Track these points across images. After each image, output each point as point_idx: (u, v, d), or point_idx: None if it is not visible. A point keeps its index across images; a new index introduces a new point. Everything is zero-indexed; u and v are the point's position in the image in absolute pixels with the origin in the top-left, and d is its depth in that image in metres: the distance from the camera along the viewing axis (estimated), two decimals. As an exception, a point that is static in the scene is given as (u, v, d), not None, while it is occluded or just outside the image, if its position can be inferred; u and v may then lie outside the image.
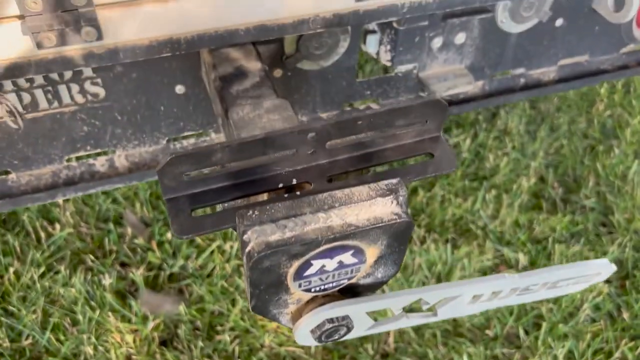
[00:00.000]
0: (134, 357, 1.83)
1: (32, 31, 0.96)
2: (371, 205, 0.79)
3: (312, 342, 0.87)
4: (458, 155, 2.45)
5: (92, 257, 2.04)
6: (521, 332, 1.93)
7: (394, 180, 0.81)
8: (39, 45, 0.99)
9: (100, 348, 1.84)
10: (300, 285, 0.82)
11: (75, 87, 1.23)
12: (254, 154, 0.79)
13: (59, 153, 1.32)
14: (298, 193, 0.81)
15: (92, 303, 1.93)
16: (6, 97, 1.20)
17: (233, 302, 1.96)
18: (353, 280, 0.87)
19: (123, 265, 2.07)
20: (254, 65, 1.17)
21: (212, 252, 2.07)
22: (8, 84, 1.18)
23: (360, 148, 0.87)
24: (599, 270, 1.01)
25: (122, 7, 1.01)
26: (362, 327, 0.91)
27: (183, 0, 1.04)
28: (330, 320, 0.85)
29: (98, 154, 1.37)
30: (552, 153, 2.52)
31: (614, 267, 1.01)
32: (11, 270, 1.96)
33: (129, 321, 1.90)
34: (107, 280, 1.96)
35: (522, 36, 1.56)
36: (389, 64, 1.47)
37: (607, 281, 2.07)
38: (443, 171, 0.87)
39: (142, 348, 1.85)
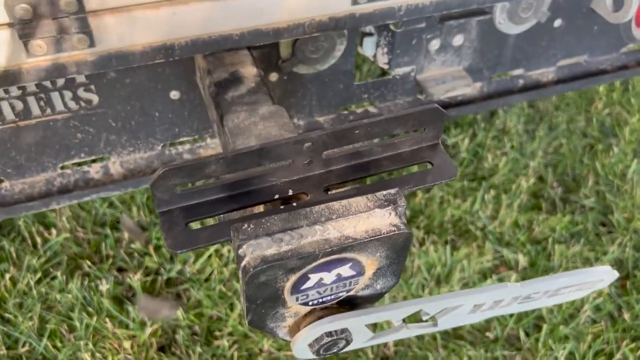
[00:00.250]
0: (131, 363, 1.81)
1: (23, 39, 0.94)
2: (369, 217, 0.77)
3: (310, 356, 0.86)
4: (456, 155, 2.44)
5: (88, 262, 2.02)
6: (522, 334, 1.92)
7: (393, 191, 0.79)
8: (30, 53, 0.97)
9: (98, 355, 1.82)
10: (297, 299, 0.80)
11: (68, 94, 1.21)
12: (249, 165, 0.77)
13: (53, 160, 1.30)
14: (294, 204, 0.79)
15: (89, 309, 1.91)
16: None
17: (231, 307, 1.94)
18: (352, 293, 0.85)
19: (120, 270, 2.05)
20: (249, 71, 1.15)
21: (209, 256, 2.05)
22: (0, 92, 1.16)
23: (358, 157, 0.85)
24: (602, 277, 0.99)
25: (114, 13, 0.99)
26: (361, 339, 0.89)
27: (176, 5, 1.02)
28: (329, 334, 0.83)
29: (93, 161, 1.35)
30: (551, 152, 2.51)
31: (616, 274, 1.00)
32: (7, 276, 1.94)
33: (127, 327, 1.88)
34: (104, 286, 1.94)
35: (520, 37, 1.54)
36: (386, 66, 1.45)
37: (608, 282, 2.06)
38: (443, 180, 0.86)
39: (140, 354, 1.84)
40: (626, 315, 1.97)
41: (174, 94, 1.29)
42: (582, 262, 2.11)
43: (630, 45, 1.72)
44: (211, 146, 1.43)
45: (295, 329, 0.85)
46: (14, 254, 2.02)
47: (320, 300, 0.83)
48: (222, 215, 0.83)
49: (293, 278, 0.76)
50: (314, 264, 0.75)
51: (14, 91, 1.17)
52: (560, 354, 1.85)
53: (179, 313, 1.90)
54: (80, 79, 1.19)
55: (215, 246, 2.07)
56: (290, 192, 0.82)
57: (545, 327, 1.91)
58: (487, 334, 1.92)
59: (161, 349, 1.88)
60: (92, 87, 1.21)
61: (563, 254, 2.11)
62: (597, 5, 1.49)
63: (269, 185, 0.81)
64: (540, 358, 1.86)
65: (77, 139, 1.28)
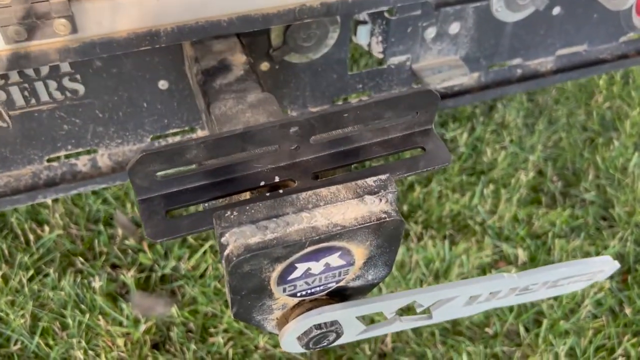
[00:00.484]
0: (124, 361, 1.78)
1: (1, 24, 0.91)
2: (358, 204, 0.74)
3: (299, 350, 0.83)
4: (455, 150, 2.41)
5: (82, 259, 1.99)
6: (521, 330, 1.89)
7: (383, 177, 0.76)
8: (9, 40, 0.94)
9: (91, 352, 1.80)
10: (284, 290, 0.77)
11: (52, 84, 1.18)
12: (233, 150, 0.74)
13: (39, 153, 1.27)
14: (281, 191, 0.76)
15: (82, 306, 1.88)
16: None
17: (226, 304, 1.91)
18: (342, 283, 0.82)
19: (114, 267, 2.02)
20: (238, 58, 1.12)
21: (204, 252, 2.02)
22: (-19, 82, 1.14)
23: (347, 143, 0.82)
24: (602, 267, 0.96)
25: (97, -2, 0.96)
26: (352, 332, 0.86)
27: (162, -10, 0.99)
28: (318, 327, 0.80)
29: (80, 154, 1.32)
30: (550, 146, 2.47)
31: (617, 264, 0.97)
32: (-1, 273, 1.91)
33: (120, 324, 1.85)
34: (97, 283, 1.91)
35: (518, 25, 1.51)
36: (380, 55, 1.42)
37: (609, 276, 2.03)
38: (436, 166, 0.82)
39: (134, 352, 1.81)
40: (627, 310, 1.93)
41: (163, 84, 1.26)
42: (583, 257, 2.07)
43: (630, 34, 1.69)
44: (202, 138, 1.39)
45: (283, 322, 0.82)
46: (5, 251, 1.99)
47: (309, 291, 0.80)
48: (206, 204, 0.79)
49: (279, 268, 0.73)
50: (301, 253, 0.72)
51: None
52: (560, 350, 1.82)
53: (174, 310, 1.87)
54: (65, 68, 1.16)
55: (210, 242, 2.04)
56: (277, 179, 0.79)
57: (545, 322, 1.88)
58: (487, 329, 1.89)
59: (155, 346, 1.85)
60: (78, 76, 1.18)
61: (563, 248, 2.08)
62: (596, -8, 1.46)
63: (254, 172, 0.78)
64: (540, 353, 1.83)
65: (64, 130, 1.25)
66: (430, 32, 1.41)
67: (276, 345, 1.84)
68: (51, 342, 1.81)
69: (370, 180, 0.76)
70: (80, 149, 1.30)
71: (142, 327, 1.83)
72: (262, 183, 0.79)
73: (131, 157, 1.34)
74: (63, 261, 2.01)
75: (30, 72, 1.15)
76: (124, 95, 1.25)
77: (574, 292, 1.93)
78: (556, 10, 1.53)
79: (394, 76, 1.49)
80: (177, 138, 1.37)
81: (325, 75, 1.40)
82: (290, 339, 0.82)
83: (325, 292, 0.83)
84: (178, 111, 1.32)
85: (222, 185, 0.77)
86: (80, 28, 0.97)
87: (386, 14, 1.34)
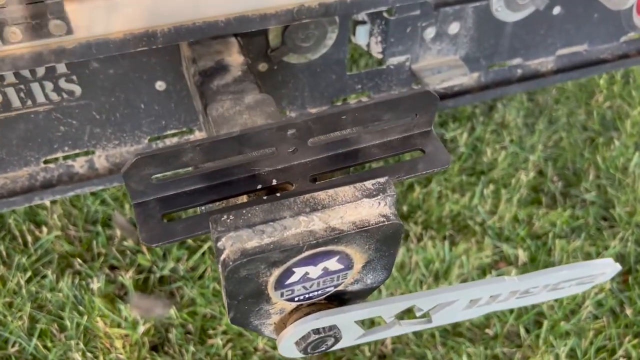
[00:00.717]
0: (123, 363, 1.77)
1: (-4, 25, 0.90)
2: (357, 207, 0.73)
3: (297, 355, 0.82)
4: (455, 150, 2.40)
5: (80, 260, 1.98)
6: (522, 331, 1.88)
7: (382, 180, 0.75)
8: (5, 41, 0.93)
9: (89, 354, 1.79)
10: (282, 295, 0.76)
11: (49, 85, 1.17)
12: (229, 153, 0.73)
13: (35, 155, 1.26)
14: (278, 195, 0.75)
15: (80, 308, 1.87)
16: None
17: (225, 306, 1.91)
18: (340, 287, 0.81)
19: (112, 268, 2.01)
20: (235, 59, 1.11)
21: (203, 253, 2.01)
22: (-23, 83, 1.13)
23: (346, 145, 0.81)
24: (603, 270, 0.95)
25: (93, -2, 0.95)
26: (351, 337, 0.85)
27: (158, -10, 0.98)
28: (316, 331, 0.79)
29: (77, 155, 1.31)
30: (551, 146, 2.46)
31: (618, 267, 0.95)
32: (-4, 275, 1.90)
33: (119, 326, 1.85)
34: (95, 284, 1.91)
35: (518, 25, 1.50)
36: (380, 56, 1.41)
37: (610, 277, 2.02)
38: (435, 168, 0.81)
39: (132, 353, 1.80)
40: (628, 311, 1.92)
41: (160, 85, 1.25)
42: (583, 257, 2.06)
43: (631, 33, 1.68)
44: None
45: (281, 327, 0.81)
46: (3, 253, 1.98)
47: (307, 295, 0.79)
48: (202, 207, 0.78)
49: (276, 272, 0.72)
50: (299, 257, 0.71)
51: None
52: (561, 351, 1.81)
53: (172, 311, 1.86)
54: (61, 69, 1.15)
55: (209, 244, 2.04)
56: (274, 182, 0.78)
57: (545, 323, 1.87)
58: (487, 330, 1.88)
59: (154, 348, 1.84)
60: (74, 77, 1.17)
61: (564, 248, 2.07)
62: (597, -8, 1.45)
63: (251, 175, 0.77)
64: (540, 355, 1.82)
65: (60, 131, 1.24)
66: (430, 32, 1.40)
67: (275, 347, 1.83)
68: (49, 344, 1.80)
69: (369, 184, 0.75)
70: (77, 151, 1.29)
71: (141, 329, 1.82)
72: (259, 186, 0.78)
73: (128, 158, 1.33)
74: (61, 262, 2.00)
75: (26, 73, 1.14)
76: (121, 97, 1.24)
77: (575, 293, 1.92)
78: (556, 10, 1.52)
79: (394, 76, 1.48)
80: (175, 139, 1.36)
81: (324, 75, 1.39)
82: (288, 344, 0.81)
83: (324, 296, 0.82)
84: (175, 112, 1.31)
85: (219, 188, 0.76)
86: (76, 29, 0.96)
87: (385, 14, 1.33)
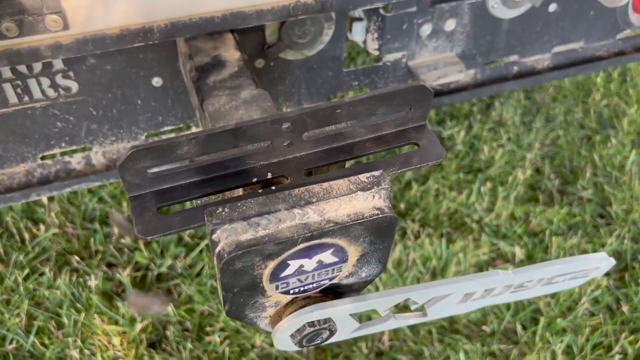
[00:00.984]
0: (120, 360, 1.78)
1: (-8, 20, 0.90)
2: (351, 200, 0.73)
3: (292, 348, 0.82)
4: (452, 148, 2.40)
5: (77, 258, 1.98)
6: (518, 328, 1.88)
7: (376, 173, 0.75)
8: (1, 36, 0.93)
9: (86, 351, 1.79)
10: (277, 287, 0.77)
11: (45, 81, 1.17)
12: (225, 146, 0.73)
13: (32, 151, 1.26)
14: (273, 188, 0.75)
15: (78, 305, 1.87)
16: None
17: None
18: (335, 281, 0.81)
19: (109, 265, 2.01)
20: (232, 55, 1.11)
21: (201, 250, 2.02)
22: (-27, 79, 1.13)
23: (340, 139, 0.81)
24: (597, 264, 0.96)
25: (89, -6, 0.95)
26: (346, 330, 0.85)
27: (155, -14, 0.98)
28: (311, 324, 0.79)
29: (74, 151, 1.31)
30: (548, 144, 2.47)
31: (612, 261, 0.96)
32: (-7, 273, 1.91)
33: (116, 323, 1.85)
34: (93, 282, 1.91)
35: (514, 22, 1.50)
36: (376, 52, 1.41)
37: (606, 274, 2.02)
38: (429, 162, 0.82)
39: (130, 351, 1.80)
40: (625, 308, 1.93)
41: (157, 81, 1.25)
42: (580, 254, 2.07)
43: (626, 30, 1.68)
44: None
45: (276, 320, 0.81)
46: (1, 250, 1.98)
47: (302, 288, 0.79)
48: (198, 201, 0.79)
49: (271, 265, 0.72)
50: (293, 249, 0.72)
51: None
52: (557, 347, 1.82)
53: (170, 309, 1.86)
54: (58, 65, 1.15)
55: (207, 241, 2.04)
56: (270, 176, 0.78)
57: (542, 320, 1.87)
58: (484, 327, 1.89)
59: (151, 345, 1.84)
60: (71, 73, 1.17)
61: (560, 246, 2.08)
62: (592, -11, 1.46)
63: (246, 169, 0.77)
64: (537, 352, 1.82)
65: (57, 128, 1.24)
66: (426, 29, 1.40)
67: (272, 344, 1.83)
68: (47, 341, 1.80)
69: (364, 177, 0.75)
70: (74, 147, 1.29)
71: (138, 326, 1.82)
72: (255, 179, 0.78)
73: (125, 154, 1.33)
74: (59, 260, 2.00)
75: (22, 69, 1.14)
76: (117, 93, 1.24)
77: (571, 290, 1.93)
78: (552, 7, 1.52)
79: (390, 73, 1.48)
80: (172, 135, 1.36)
81: (321, 72, 1.40)
82: (283, 337, 0.81)
83: (319, 289, 0.82)
84: (172, 108, 1.31)
85: (214, 181, 0.76)
86: (72, 24, 0.96)
87: (381, 11, 1.33)
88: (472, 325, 1.90)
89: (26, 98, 1.18)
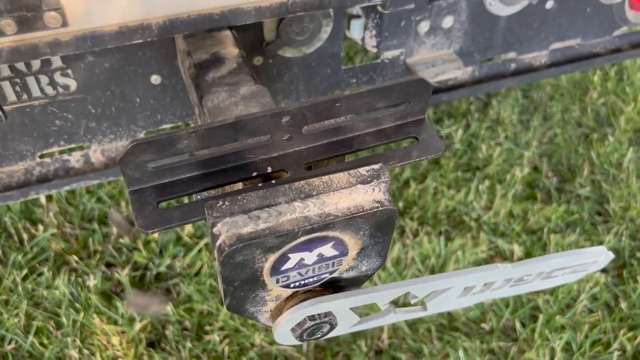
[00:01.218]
0: (120, 359, 1.77)
1: (-10, 17, 0.90)
2: (351, 193, 0.73)
3: (293, 341, 0.82)
4: (450, 146, 2.40)
5: (76, 258, 1.98)
6: (517, 325, 1.88)
7: (376, 166, 0.76)
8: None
9: (86, 351, 1.78)
10: (278, 281, 0.77)
11: (44, 79, 1.17)
12: (224, 140, 0.73)
13: (31, 149, 1.26)
14: (273, 182, 0.75)
15: (77, 305, 1.87)
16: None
17: (222, 301, 1.91)
18: (335, 274, 0.81)
19: (108, 265, 2.01)
20: (231, 52, 1.11)
21: (199, 250, 2.01)
22: (-28, 77, 1.13)
23: (340, 133, 0.81)
24: (596, 258, 0.96)
25: (88, -9, 0.96)
26: (346, 324, 0.85)
27: (153, -17, 0.98)
28: (312, 318, 0.79)
29: (72, 149, 1.31)
30: (545, 142, 2.48)
31: (611, 255, 0.96)
32: (-8, 273, 1.90)
33: (115, 323, 1.84)
34: (92, 282, 1.90)
35: (511, 19, 1.50)
36: (374, 50, 1.42)
37: (604, 271, 2.03)
38: (428, 155, 0.82)
39: (129, 350, 1.80)
40: (623, 305, 1.93)
41: (155, 79, 1.25)
42: (578, 251, 2.07)
43: (623, 27, 1.69)
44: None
45: (277, 313, 0.81)
46: (-1, 251, 1.98)
47: (302, 282, 0.80)
48: (198, 195, 0.79)
49: (272, 258, 0.73)
50: (294, 242, 0.72)
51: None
52: (556, 344, 1.82)
53: (169, 308, 1.86)
54: (57, 62, 1.15)
55: (205, 240, 2.04)
56: (269, 170, 0.79)
57: (541, 317, 1.88)
58: (483, 325, 1.89)
59: (151, 344, 1.84)
60: (69, 71, 1.17)
61: (559, 243, 2.08)
62: (589, -14, 1.46)
63: (246, 163, 0.78)
64: (536, 349, 1.83)
65: (56, 126, 1.24)
66: (424, 26, 1.41)
67: (272, 342, 1.83)
68: (45, 341, 1.80)
69: (363, 170, 0.75)
70: (72, 145, 1.29)
71: (137, 326, 1.82)
72: (255, 173, 0.78)
73: (124, 152, 1.33)
74: (57, 260, 1.99)
75: (21, 66, 1.14)
76: (116, 91, 1.24)
77: (570, 286, 1.93)
78: (549, 4, 1.52)
79: (388, 70, 1.49)
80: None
81: (319, 69, 1.40)
82: (283, 331, 0.81)
83: (319, 283, 0.82)
84: (171, 106, 1.31)
85: (214, 175, 0.76)
86: (71, 21, 0.96)
87: (379, 8, 1.33)
88: (471, 322, 1.91)
89: (25, 96, 1.18)
